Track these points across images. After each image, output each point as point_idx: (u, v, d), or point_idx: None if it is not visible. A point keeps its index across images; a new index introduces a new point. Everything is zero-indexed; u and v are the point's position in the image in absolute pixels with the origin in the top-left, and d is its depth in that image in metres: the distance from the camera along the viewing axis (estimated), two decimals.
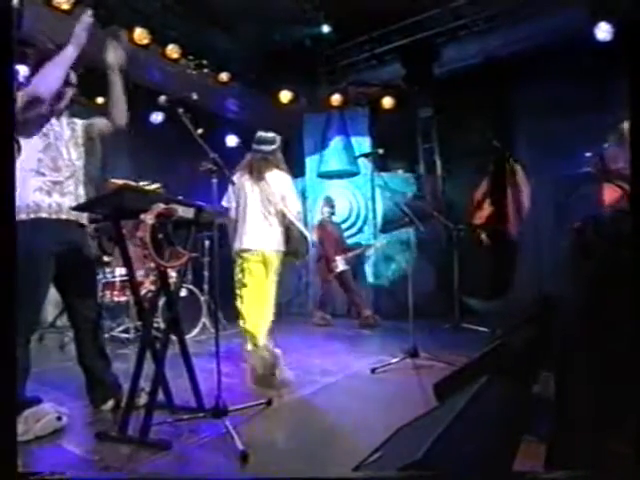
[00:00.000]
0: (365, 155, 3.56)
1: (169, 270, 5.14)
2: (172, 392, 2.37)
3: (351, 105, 6.64)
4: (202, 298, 4.96)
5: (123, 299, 4.79)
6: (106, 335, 4.55)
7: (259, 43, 5.86)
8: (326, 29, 5.90)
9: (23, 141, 2.06)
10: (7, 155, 1.01)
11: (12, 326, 1.09)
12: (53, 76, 2.06)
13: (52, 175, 2.13)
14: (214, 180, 2.22)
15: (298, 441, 2.06)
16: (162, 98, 2.35)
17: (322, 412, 2.43)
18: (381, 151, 3.57)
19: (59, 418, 2.07)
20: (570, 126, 4.94)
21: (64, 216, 2.14)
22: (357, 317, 5.42)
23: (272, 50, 5.98)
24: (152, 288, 4.81)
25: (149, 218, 1.85)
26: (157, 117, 6.86)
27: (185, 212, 2.19)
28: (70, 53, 2.12)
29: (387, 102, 6.52)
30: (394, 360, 3.20)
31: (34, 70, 2.14)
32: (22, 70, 5.59)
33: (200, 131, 7.53)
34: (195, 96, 2.30)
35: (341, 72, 6.48)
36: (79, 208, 2.01)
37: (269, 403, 2.42)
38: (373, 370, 3.05)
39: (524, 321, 2.11)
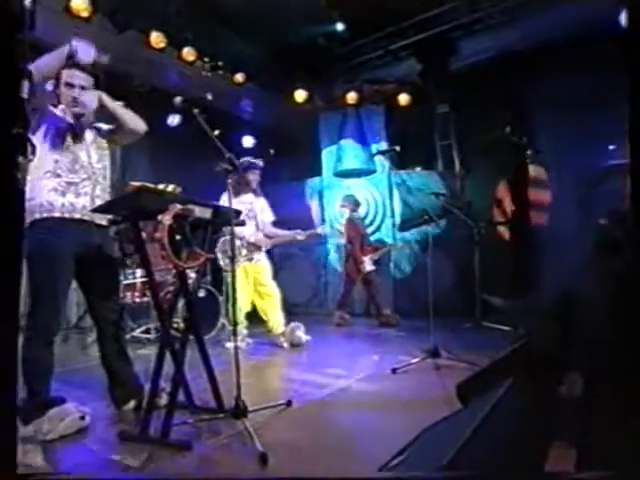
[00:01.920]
0: (382, 153, 3.52)
1: (188, 271, 5.24)
2: (192, 392, 2.38)
3: (367, 103, 6.59)
4: (220, 298, 4.98)
5: (144, 300, 4.84)
6: (127, 336, 4.63)
7: (273, 43, 5.87)
8: (340, 27, 5.87)
9: (40, 143, 2.09)
10: (15, 157, 1.00)
11: (13, 327, 1.09)
12: (43, 62, 1.98)
13: (68, 176, 2.15)
14: (229, 180, 2.22)
15: (318, 443, 2.04)
16: (177, 99, 2.36)
17: (342, 413, 2.40)
18: (398, 148, 3.53)
19: (82, 417, 2.09)
20: (592, 119, 4.80)
21: (77, 215, 2.15)
22: (376, 316, 5.37)
23: (286, 50, 5.98)
24: (172, 289, 4.88)
25: (166, 219, 1.86)
26: (174, 119, 6.93)
27: (202, 212, 2.19)
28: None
29: (403, 99, 6.45)
30: (415, 360, 3.15)
31: None
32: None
33: (217, 132, 7.60)
34: (210, 96, 2.33)
35: (356, 70, 6.43)
36: (98, 210, 2.03)
37: (289, 404, 2.41)
38: (394, 370, 3.01)
39: (549, 320, 2.04)
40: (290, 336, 4.08)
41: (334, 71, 6.47)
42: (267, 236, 4.23)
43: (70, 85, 2.21)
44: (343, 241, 5.68)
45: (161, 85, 6.53)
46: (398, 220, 6.35)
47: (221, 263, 4.18)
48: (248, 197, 4.14)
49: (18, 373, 1.31)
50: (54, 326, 2.14)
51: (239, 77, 5.93)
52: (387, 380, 2.89)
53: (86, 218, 2.17)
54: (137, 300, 4.90)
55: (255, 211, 4.18)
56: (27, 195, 1.88)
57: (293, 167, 7.11)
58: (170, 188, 6.64)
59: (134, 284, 4.90)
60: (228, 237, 3.59)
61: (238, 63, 5.90)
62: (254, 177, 4.13)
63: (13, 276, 1.03)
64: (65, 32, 5.12)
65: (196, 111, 2.31)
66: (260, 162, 4.20)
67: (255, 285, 4.19)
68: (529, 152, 5.61)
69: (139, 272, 4.96)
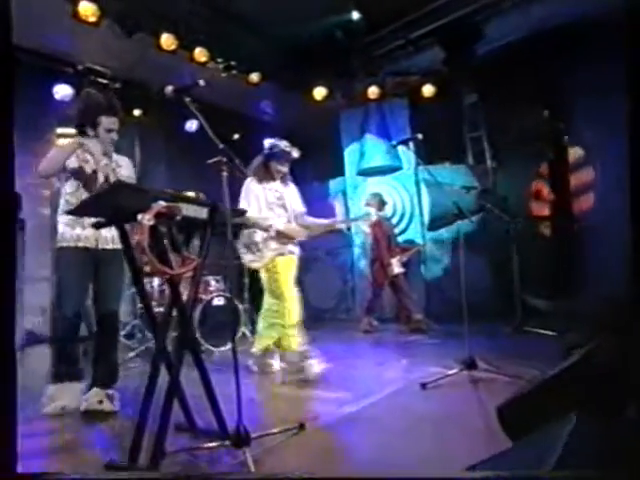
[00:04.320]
0: (403, 142, 3.19)
1: (209, 278, 5.04)
2: (193, 413, 2.12)
3: (389, 97, 6.26)
4: (240, 307, 4.75)
5: (161, 309, 4.67)
6: (143, 347, 4.48)
7: (287, 40, 5.62)
8: (357, 18, 5.57)
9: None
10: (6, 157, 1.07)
11: (11, 327, 1.10)
12: (54, 161, 2.51)
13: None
14: (224, 174, 1.96)
15: (330, 473, 1.74)
16: (169, 88, 2.14)
17: (362, 438, 2.08)
18: (420, 136, 3.19)
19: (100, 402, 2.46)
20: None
21: (82, 244, 2.58)
22: (406, 322, 5.01)
23: (302, 46, 5.73)
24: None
25: (147, 219, 1.61)
26: (192, 125, 6.83)
27: (196, 212, 1.95)
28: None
29: (428, 90, 6.08)
30: (448, 373, 2.79)
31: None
32: (62, 90, 5.76)
33: (236, 136, 7.40)
34: (202, 82, 2.06)
35: (376, 62, 6.11)
36: (73, 212, 1.82)
37: (302, 427, 2.12)
38: (424, 385, 2.65)
39: (604, 328, 1.67)
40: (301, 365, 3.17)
41: (353, 65, 6.17)
42: (301, 226, 3.48)
43: (110, 130, 2.67)
44: (369, 243, 5.35)
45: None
46: (427, 218, 5.97)
47: (244, 259, 3.36)
48: (275, 184, 3.40)
49: (18, 373, 1.21)
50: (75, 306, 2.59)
51: (254, 77, 5.73)
52: (415, 397, 2.54)
53: (88, 245, 2.59)
54: (155, 310, 4.72)
55: (285, 199, 3.44)
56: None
57: (315, 167, 6.84)
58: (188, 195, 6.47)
59: (150, 293, 4.73)
60: (252, 230, 3.28)
61: (252, 62, 5.71)
62: (283, 167, 3.36)
63: (10, 278, 1.07)
64: (77, 40, 5.11)
65: (188, 100, 2.08)
66: (295, 151, 3.40)
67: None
68: (567, 138, 5.12)
69: (156, 280, 4.80)
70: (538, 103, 5.43)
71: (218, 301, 4.59)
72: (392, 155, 6.21)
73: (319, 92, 6.24)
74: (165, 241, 1.82)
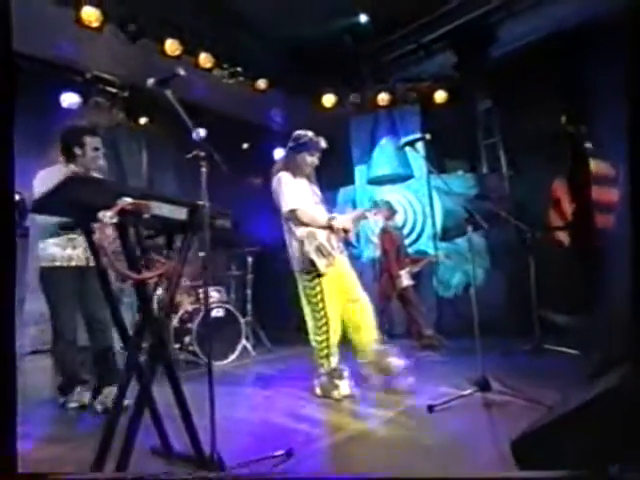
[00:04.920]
0: (410, 143, 2.97)
1: (210, 289, 4.86)
2: (169, 436, 1.91)
3: (400, 103, 6.07)
4: (242, 320, 4.54)
5: None
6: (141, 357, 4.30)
7: (295, 46, 5.51)
8: (365, 22, 5.43)
9: None
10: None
11: (11, 328, 1.10)
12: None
13: (67, 235, 2.68)
14: (203, 169, 1.79)
15: None
16: (150, 81, 2.00)
17: (355, 468, 1.84)
18: (428, 136, 2.98)
19: None
20: None
21: (74, 263, 2.75)
22: (417, 337, 4.71)
23: (310, 52, 5.61)
24: (189, 309, 4.52)
25: (109, 216, 1.43)
26: (199, 133, 6.73)
27: (174, 212, 1.77)
28: None
29: (440, 96, 5.88)
30: (458, 395, 2.52)
31: None
32: (69, 98, 5.73)
33: (245, 146, 7.26)
34: (182, 72, 1.91)
35: (386, 68, 5.95)
36: (32, 210, 1.65)
37: (289, 454, 1.88)
38: (430, 408, 2.39)
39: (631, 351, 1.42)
40: (380, 364, 3.02)
41: (363, 71, 6.02)
42: None
43: (96, 149, 2.80)
44: (378, 253, 5.11)
45: (186, 99, 6.39)
46: (440, 228, 5.72)
47: (318, 265, 2.84)
48: (306, 181, 3.09)
49: (17, 375, 1.27)
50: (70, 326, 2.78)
51: (261, 83, 5.63)
52: (420, 422, 2.28)
53: (80, 264, 2.76)
54: None
55: (319, 195, 3.15)
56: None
57: (324, 176, 6.66)
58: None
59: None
60: (309, 229, 2.90)
61: (259, 68, 5.61)
62: (314, 159, 3.06)
63: (10, 282, 1.09)
64: (82, 46, 5.07)
65: (168, 92, 1.94)
66: (322, 141, 3.09)
67: (338, 290, 2.98)
68: (588, 144, 4.84)
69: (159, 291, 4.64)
70: (556, 107, 5.17)
71: (217, 312, 4.40)
72: (403, 163, 6.01)
73: (328, 99, 6.09)
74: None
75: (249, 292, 5.18)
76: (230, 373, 4.00)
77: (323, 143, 3.11)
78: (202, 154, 1.77)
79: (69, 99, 5.59)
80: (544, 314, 4.65)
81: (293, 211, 2.94)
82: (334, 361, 2.99)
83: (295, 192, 2.95)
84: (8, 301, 1.12)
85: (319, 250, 2.90)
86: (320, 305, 2.98)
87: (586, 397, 1.48)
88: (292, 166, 3.04)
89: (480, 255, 5.37)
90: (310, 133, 3.11)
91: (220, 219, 1.97)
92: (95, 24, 4.30)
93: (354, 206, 6.42)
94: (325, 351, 3.00)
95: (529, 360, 3.77)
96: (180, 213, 1.80)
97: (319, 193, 3.21)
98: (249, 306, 5.16)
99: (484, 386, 2.52)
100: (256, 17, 5.11)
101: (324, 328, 3.03)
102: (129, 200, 1.50)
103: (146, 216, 1.55)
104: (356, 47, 5.76)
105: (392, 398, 2.77)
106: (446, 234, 5.56)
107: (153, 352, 1.72)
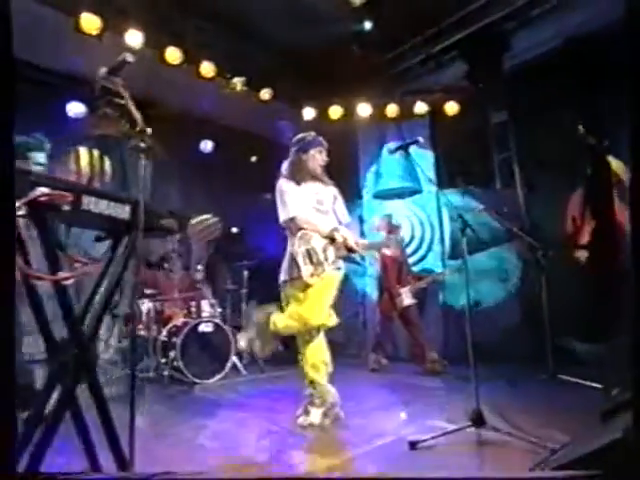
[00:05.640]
0: (402, 147, 2.72)
1: (203, 302, 4.66)
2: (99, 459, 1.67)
3: (409, 116, 5.85)
4: (231, 336, 4.29)
5: (145, 333, 4.30)
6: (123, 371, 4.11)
7: (301, 56, 5.39)
8: (373, 34, 5.27)
9: None
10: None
11: (11, 327, 1.07)
12: None
13: None
14: (143, 162, 1.59)
15: None
16: (101, 71, 1.85)
17: None
18: (421, 139, 2.73)
19: None
20: None
21: None
22: (421, 361, 4.38)
23: (317, 63, 5.48)
24: (178, 322, 4.31)
25: (17, 207, 1.24)
26: (206, 145, 6.66)
27: (114, 210, 1.57)
28: None
29: (451, 108, 5.64)
30: (447, 430, 2.20)
31: None
32: (75, 108, 5.73)
33: (254, 159, 7.12)
34: (130, 58, 1.74)
35: (395, 80, 5.76)
36: None
37: None
38: (413, 444, 2.08)
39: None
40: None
41: (371, 83, 5.84)
42: None
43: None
44: (378, 270, 4.83)
45: (192, 111, 6.34)
46: (448, 246, 5.40)
47: (303, 272, 2.58)
48: (315, 185, 2.86)
49: (16, 374, 1.19)
50: None
51: (265, 94, 5.51)
52: (398, 460, 1.97)
53: None
54: (142, 334, 4.36)
55: (326, 203, 2.87)
56: None
57: None
58: (202, 218, 6.29)
59: (137, 314, 4.38)
60: (305, 232, 2.67)
61: (264, 78, 5.50)
62: (323, 156, 2.87)
63: (9, 277, 1.05)
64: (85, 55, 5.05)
65: (117, 80, 1.77)
66: (324, 141, 2.95)
67: None
68: (610, 157, 4.49)
69: (147, 303, 4.47)
70: (573, 120, 4.85)
71: (206, 327, 4.18)
72: (411, 177, 5.76)
73: (335, 111, 5.93)
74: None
75: (244, 307, 4.96)
76: (211, 392, 3.76)
77: (325, 142, 2.97)
78: (142, 145, 1.57)
79: (75, 109, 5.58)
80: (561, 340, 4.27)
81: (292, 219, 2.71)
82: (315, 385, 2.73)
83: (295, 199, 2.74)
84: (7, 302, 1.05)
85: (308, 254, 2.64)
86: None
87: (589, 448, 1.20)
88: (299, 169, 2.84)
89: (491, 274, 5.03)
90: (313, 133, 2.98)
91: (166, 218, 1.77)
92: (94, 32, 4.27)
93: (361, 222, 6.18)
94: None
95: (539, 391, 3.39)
96: (121, 211, 1.61)
97: (337, 196, 2.98)
98: (244, 322, 4.92)
99: (477, 421, 2.19)
100: (261, 27, 5.03)
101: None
102: (44, 190, 1.31)
103: (66, 208, 1.35)
104: (364, 58, 5.61)
105: (371, 431, 2.46)
106: (455, 251, 5.24)
107: (77, 358, 1.49)
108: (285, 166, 2.96)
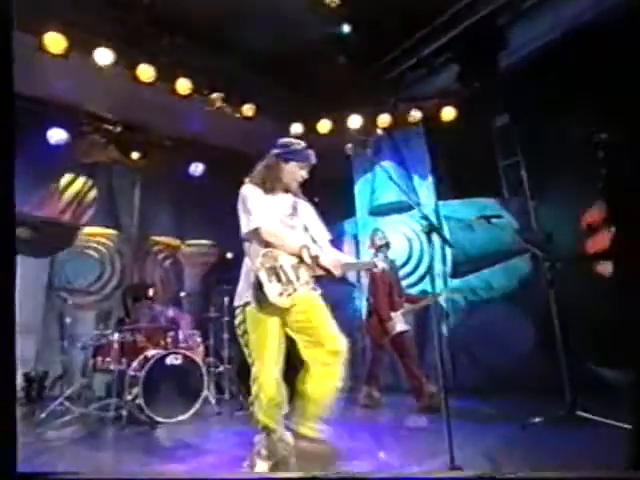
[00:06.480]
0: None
1: (180, 332, 4.27)
2: None
3: (403, 125, 5.46)
4: (204, 369, 3.86)
5: (114, 367, 3.90)
6: (83, 409, 3.74)
7: (284, 68, 5.12)
8: (358, 39, 4.97)
9: None
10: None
11: (11, 328, 1.10)
12: None
13: None
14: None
15: None
16: None
17: None
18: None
19: None
20: None
21: None
22: (418, 395, 3.80)
23: (301, 74, 5.20)
24: (149, 354, 3.91)
25: None
26: (197, 168, 6.45)
27: None
28: None
29: (447, 114, 5.22)
30: None
31: None
32: (56, 134, 5.61)
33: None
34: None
35: (385, 88, 5.41)
36: None
37: None
38: None
39: None
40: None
41: (361, 92, 5.51)
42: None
43: None
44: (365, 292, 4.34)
45: (181, 133, 6.16)
46: (450, 264, 4.87)
47: (267, 291, 2.13)
48: (286, 197, 2.45)
49: (17, 375, 1.00)
50: None
51: (249, 110, 5.25)
52: None
53: None
54: (111, 367, 3.96)
55: (299, 217, 2.45)
56: None
57: (323, 208, 6.08)
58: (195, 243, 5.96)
59: (108, 347, 4.02)
60: (270, 250, 2.23)
61: (247, 93, 5.26)
62: (303, 172, 2.46)
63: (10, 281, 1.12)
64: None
65: None
66: (313, 156, 2.47)
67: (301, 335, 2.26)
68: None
69: (116, 335, 4.10)
70: (583, 117, 4.34)
71: (175, 359, 3.77)
72: (409, 189, 5.31)
73: (323, 125, 5.61)
74: None
75: (225, 336, 4.54)
76: (174, 433, 3.32)
77: (314, 158, 2.49)
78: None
79: (56, 135, 5.47)
80: (585, 366, 3.66)
81: (256, 229, 2.26)
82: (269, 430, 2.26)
83: (261, 207, 2.29)
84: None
85: (274, 271, 2.19)
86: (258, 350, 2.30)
87: None
88: (272, 177, 2.40)
89: (498, 295, 4.46)
90: (302, 143, 2.52)
91: (21, 227, 1.40)
92: (58, 50, 4.12)
93: (357, 241, 5.74)
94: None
95: (551, 433, 2.78)
96: None
97: (311, 212, 2.53)
98: (225, 352, 4.51)
99: (453, 466, 1.67)
100: (237, 40, 4.79)
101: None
102: None
103: None
104: (351, 68, 5.30)
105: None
106: (457, 269, 4.71)
107: None
108: (257, 169, 2.54)
